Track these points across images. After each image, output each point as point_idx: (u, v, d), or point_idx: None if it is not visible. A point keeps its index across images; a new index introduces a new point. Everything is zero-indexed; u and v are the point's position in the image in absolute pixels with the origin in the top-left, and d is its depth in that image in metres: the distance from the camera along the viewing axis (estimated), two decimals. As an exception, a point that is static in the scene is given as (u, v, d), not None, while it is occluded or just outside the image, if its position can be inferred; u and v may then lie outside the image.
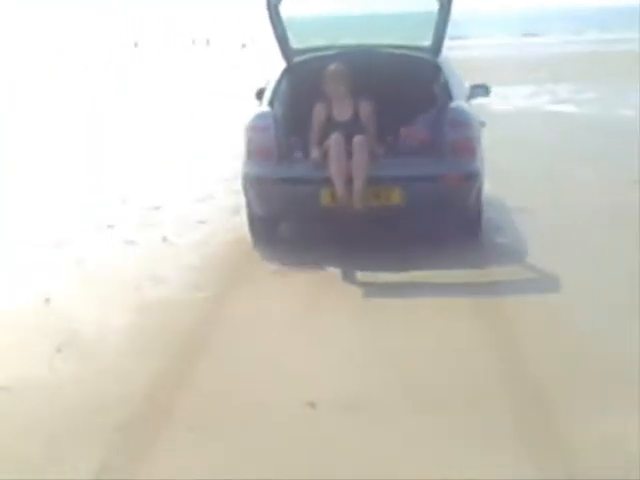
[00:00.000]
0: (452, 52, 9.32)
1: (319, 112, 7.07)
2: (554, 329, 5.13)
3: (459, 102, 7.14)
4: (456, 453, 3.72)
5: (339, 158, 6.57)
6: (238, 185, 7.25)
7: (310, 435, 3.93)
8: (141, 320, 5.56)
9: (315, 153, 6.80)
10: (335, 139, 6.67)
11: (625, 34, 43.75)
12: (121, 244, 7.49)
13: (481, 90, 8.16)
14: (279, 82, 7.49)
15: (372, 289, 6.10)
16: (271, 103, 7.25)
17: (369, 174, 6.56)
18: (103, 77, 30.21)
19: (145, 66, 36.43)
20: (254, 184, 6.87)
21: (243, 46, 51.18)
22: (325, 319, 5.45)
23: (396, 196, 6.63)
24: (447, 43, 7.56)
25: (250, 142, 6.94)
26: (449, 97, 7.16)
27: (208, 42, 55.87)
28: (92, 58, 40.87)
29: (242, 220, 7.34)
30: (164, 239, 7.57)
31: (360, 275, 6.34)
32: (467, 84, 8.01)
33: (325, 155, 6.68)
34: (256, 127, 6.98)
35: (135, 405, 4.35)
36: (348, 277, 6.32)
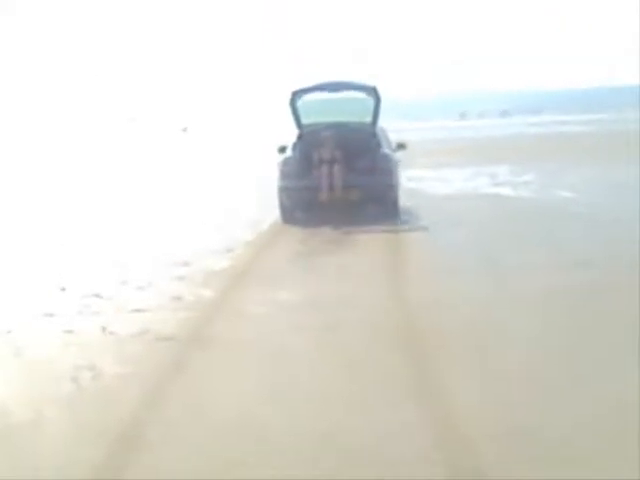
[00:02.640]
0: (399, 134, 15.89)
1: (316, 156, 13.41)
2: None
3: (386, 150, 13.82)
4: None
5: (326, 178, 13.09)
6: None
7: None
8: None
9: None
10: (324, 169, 13.17)
11: (558, 116, 44.76)
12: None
13: (401, 146, 14.69)
14: (296, 141, 14.00)
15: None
16: (291, 151, 13.82)
17: (342, 184, 13.09)
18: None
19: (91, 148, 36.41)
20: (284, 190, 13.29)
21: (184, 130, 51.53)
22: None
23: (355, 195, 13.11)
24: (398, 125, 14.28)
25: (282, 169, 13.43)
26: (379, 147, 13.73)
27: (136, 121, 55.89)
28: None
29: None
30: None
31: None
32: (393, 141, 14.64)
33: (319, 176, 13.14)
34: (285, 162, 13.55)
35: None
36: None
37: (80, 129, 44.41)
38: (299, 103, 14.00)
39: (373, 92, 13.81)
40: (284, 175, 13.32)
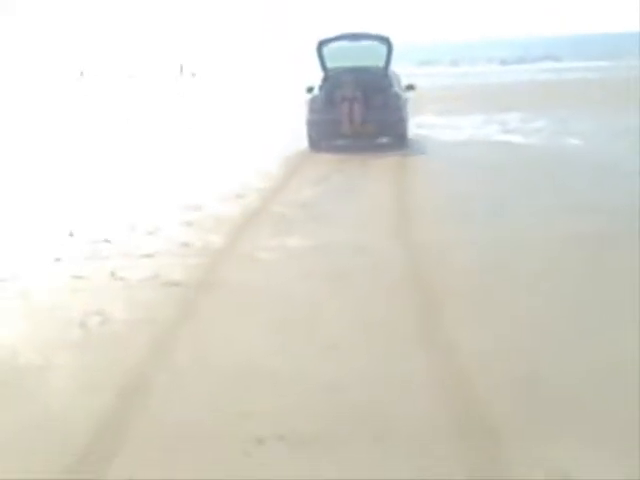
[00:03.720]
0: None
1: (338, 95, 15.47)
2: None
3: (396, 89, 16.01)
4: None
5: (347, 113, 15.29)
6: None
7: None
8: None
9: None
10: (345, 105, 15.31)
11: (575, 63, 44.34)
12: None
13: (410, 87, 16.78)
14: (322, 83, 16.10)
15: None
16: (318, 90, 15.94)
17: (360, 119, 15.28)
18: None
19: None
20: (311, 123, 15.56)
21: (193, 75, 51.36)
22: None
23: (371, 127, 15.38)
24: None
25: (310, 105, 15.73)
26: (391, 87, 15.88)
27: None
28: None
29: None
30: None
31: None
32: (403, 82, 16.71)
33: (341, 112, 15.29)
34: (312, 100, 15.82)
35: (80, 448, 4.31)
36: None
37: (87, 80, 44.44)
38: (324, 50, 16.30)
39: (386, 42, 16.27)
40: (312, 110, 15.67)
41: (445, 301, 6.43)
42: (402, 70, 18.49)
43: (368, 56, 16.35)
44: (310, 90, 16.22)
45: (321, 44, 16.30)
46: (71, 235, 9.15)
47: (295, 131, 16.86)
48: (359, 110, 15.25)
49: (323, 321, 6.08)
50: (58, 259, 8.13)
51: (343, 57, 16.26)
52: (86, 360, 5.49)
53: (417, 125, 18.35)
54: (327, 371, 5.11)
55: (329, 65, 16.25)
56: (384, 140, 15.65)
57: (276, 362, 5.28)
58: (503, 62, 57.69)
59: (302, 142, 15.85)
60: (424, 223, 9.31)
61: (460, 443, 4.17)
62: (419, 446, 4.13)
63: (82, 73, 55.77)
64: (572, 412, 4.43)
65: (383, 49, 16.17)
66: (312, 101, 15.78)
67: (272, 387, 4.91)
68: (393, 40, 16.36)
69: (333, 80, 15.83)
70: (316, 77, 16.58)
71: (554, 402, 4.56)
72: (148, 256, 8.10)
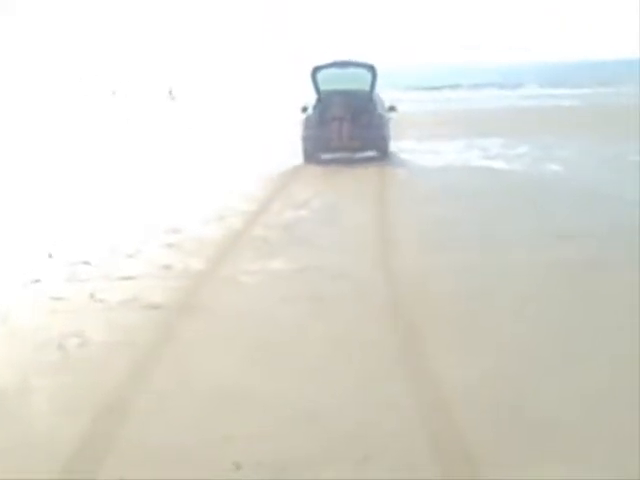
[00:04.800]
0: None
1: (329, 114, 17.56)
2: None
3: (379, 110, 18.13)
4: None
5: (337, 130, 17.29)
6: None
7: None
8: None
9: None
10: (335, 124, 17.32)
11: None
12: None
13: (392, 108, 18.89)
14: (315, 103, 18.06)
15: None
16: (312, 110, 17.89)
17: (348, 135, 17.28)
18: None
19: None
20: (306, 138, 17.52)
21: (172, 98, 51.50)
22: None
23: (357, 143, 17.50)
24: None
25: (305, 123, 17.72)
26: (375, 108, 18.02)
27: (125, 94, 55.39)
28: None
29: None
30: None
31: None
32: (386, 104, 18.70)
33: (332, 129, 17.32)
34: (307, 118, 17.80)
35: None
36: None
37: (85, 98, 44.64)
38: (318, 75, 18.34)
39: (371, 69, 18.42)
40: (306, 127, 17.88)
41: (428, 326, 6.39)
42: (387, 95, 20.37)
43: (356, 81, 18.41)
44: (305, 110, 18.33)
45: (315, 70, 18.42)
46: (50, 256, 9.07)
47: (284, 150, 18.69)
48: (347, 128, 17.50)
49: (304, 345, 6.02)
50: (37, 280, 8.06)
51: (334, 81, 18.31)
52: (64, 383, 5.41)
53: (399, 150, 18.75)
54: (308, 395, 5.05)
55: (322, 88, 18.26)
56: (369, 153, 17.85)
57: (256, 386, 5.22)
58: (487, 87, 57.99)
59: (292, 161, 17.44)
60: (407, 248, 9.28)
61: (440, 469, 4.13)
62: (402, 470, 4.09)
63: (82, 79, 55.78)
64: (554, 438, 4.39)
65: (369, 75, 18.29)
66: (307, 119, 18.02)
67: (252, 411, 4.85)
68: (377, 66, 18.45)
69: (325, 101, 17.97)
70: (303, 97, 18.83)
71: (536, 428, 4.52)
72: (128, 278, 8.03)
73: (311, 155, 17.67)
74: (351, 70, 18.87)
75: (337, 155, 17.62)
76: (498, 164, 16.74)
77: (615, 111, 29.03)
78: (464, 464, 4.19)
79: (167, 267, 8.47)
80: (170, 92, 54.65)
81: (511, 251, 8.90)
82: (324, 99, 18.02)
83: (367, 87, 18.23)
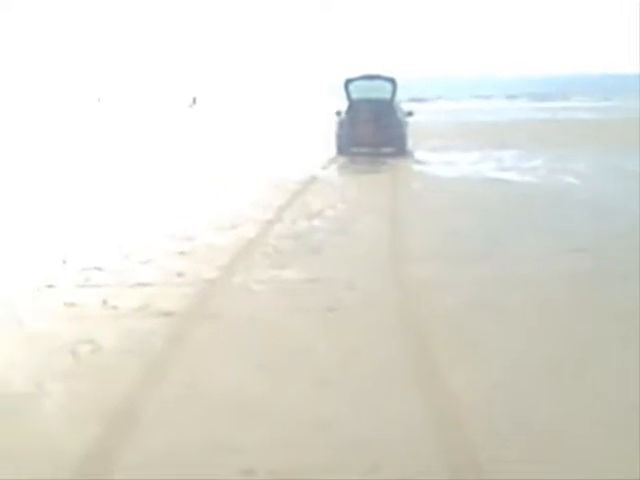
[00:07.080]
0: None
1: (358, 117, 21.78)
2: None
3: (399, 115, 22.30)
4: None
5: (364, 130, 21.49)
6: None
7: None
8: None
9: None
10: (362, 125, 21.55)
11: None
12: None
13: (410, 113, 22.84)
14: (347, 108, 22.11)
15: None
16: (344, 114, 22.09)
17: (373, 134, 21.44)
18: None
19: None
20: (340, 136, 21.89)
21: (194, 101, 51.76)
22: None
23: (379, 140, 21.47)
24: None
25: (339, 124, 22.12)
26: (395, 113, 22.11)
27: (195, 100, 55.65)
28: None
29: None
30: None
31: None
32: (405, 109, 23.00)
33: (360, 129, 21.53)
34: (341, 120, 22.10)
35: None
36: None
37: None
38: (350, 86, 22.41)
39: (392, 81, 22.37)
40: (340, 127, 22.02)
41: (440, 338, 6.40)
42: (407, 105, 25.07)
43: (379, 91, 22.27)
44: (338, 114, 22.52)
45: (348, 82, 22.64)
46: (64, 262, 9.11)
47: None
48: (372, 128, 21.44)
49: (315, 355, 6.04)
50: (51, 285, 8.10)
51: (362, 91, 22.37)
52: (76, 388, 5.44)
53: (414, 161, 19.49)
54: (319, 404, 5.06)
55: (353, 96, 22.34)
56: (388, 150, 21.43)
57: (267, 394, 5.24)
58: (502, 99, 57.96)
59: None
60: (420, 259, 9.28)
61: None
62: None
63: (98, 97, 56.03)
64: (560, 451, 4.40)
65: (390, 86, 22.25)
66: (340, 121, 22.26)
67: (263, 419, 4.87)
68: (401, 79, 22.79)
69: (355, 107, 22.10)
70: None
71: (541, 440, 4.52)
72: (141, 285, 8.07)
73: (343, 149, 21.77)
74: (376, 82, 22.69)
75: (363, 150, 21.47)
76: (512, 176, 16.71)
77: (628, 124, 28.94)
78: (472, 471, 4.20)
79: (180, 274, 8.49)
80: (194, 100, 54.89)
81: (524, 264, 8.89)
82: (354, 105, 22.20)
83: (389, 96, 22.22)
